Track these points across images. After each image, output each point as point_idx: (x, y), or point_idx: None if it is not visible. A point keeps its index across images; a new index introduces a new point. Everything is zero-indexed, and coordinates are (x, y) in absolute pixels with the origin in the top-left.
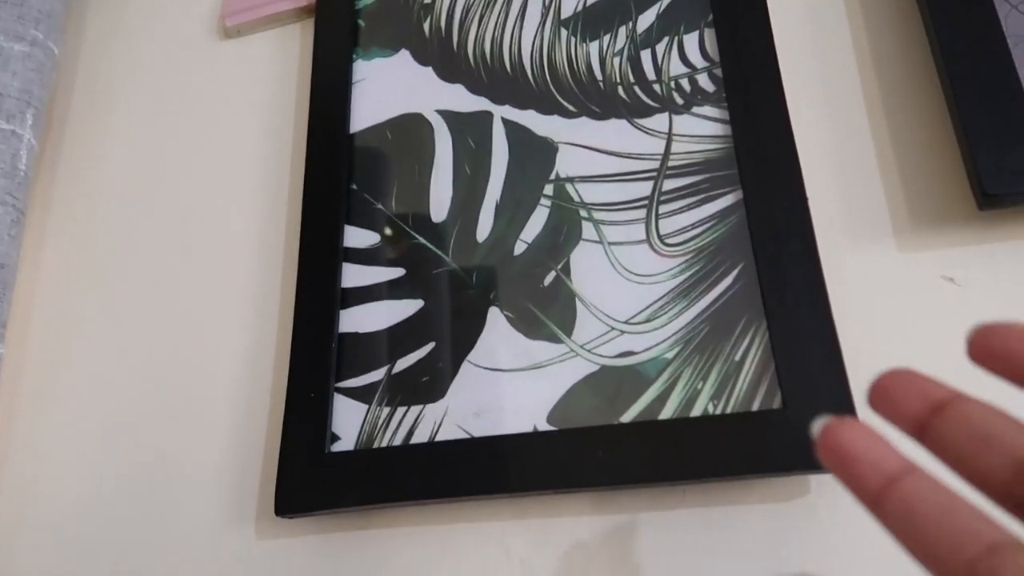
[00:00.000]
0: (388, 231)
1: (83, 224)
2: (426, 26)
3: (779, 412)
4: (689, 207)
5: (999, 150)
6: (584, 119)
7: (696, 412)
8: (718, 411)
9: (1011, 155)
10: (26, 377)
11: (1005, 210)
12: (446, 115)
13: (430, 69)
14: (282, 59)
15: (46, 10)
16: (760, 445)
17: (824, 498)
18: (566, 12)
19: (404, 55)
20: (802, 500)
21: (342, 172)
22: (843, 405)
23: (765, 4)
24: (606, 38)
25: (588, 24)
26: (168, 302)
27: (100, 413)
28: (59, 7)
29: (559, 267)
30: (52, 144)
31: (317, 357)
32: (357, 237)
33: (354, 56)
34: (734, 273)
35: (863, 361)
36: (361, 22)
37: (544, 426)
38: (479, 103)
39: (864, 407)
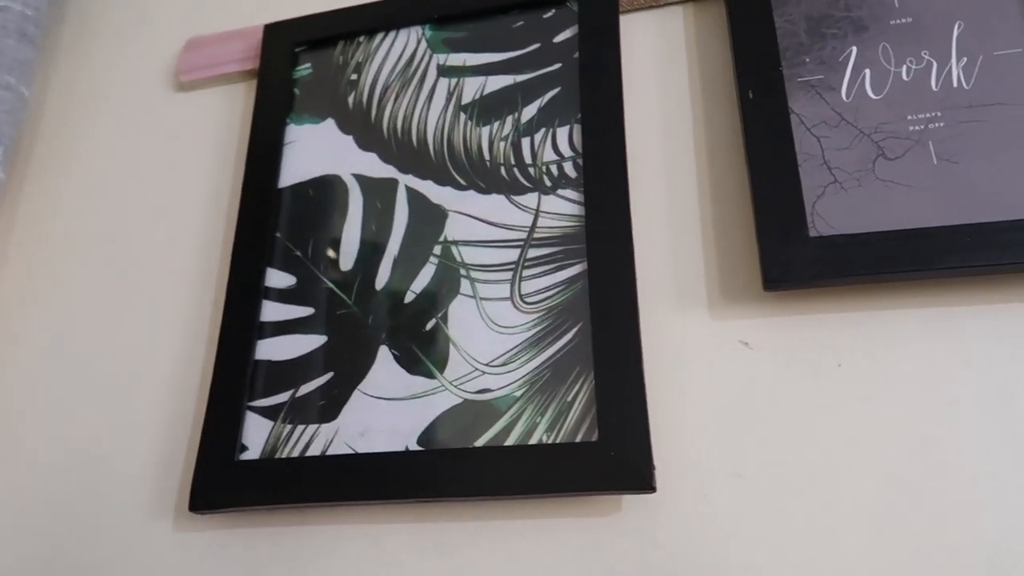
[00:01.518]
0: (303, 275)
1: (41, 243)
2: (350, 100)
3: (596, 444)
4: (546, 272)
5: (780, 245)
6: (471, 192)
7: (534, 441)
8: (550, 441)
9: (787, 250)
10: None
11: (784, 292)
12: (360, 179)
13: (350, 137)
14: (228, 113)
15: (20, 58)
16: (581, 469)
17: (634, 515)
18: (466, 99)
19: (330, 123)
20: (616, 516)
21: (268, 221)
22: (643, 439)
23: (621, 107)
24: (496, 124)
25: (483, 111)
26: (112, 321)
27: (38, 408)
28: (32, 55)
29: (439, 316)
30: (18, 176)
31: (235, 378)
32: (277, 279)
33: (288, 120)
34: (574, 330)
35: (671, 403)
36: (297, 90)
37: (415, 446)
38: (388, 171)
39: (658, 441)
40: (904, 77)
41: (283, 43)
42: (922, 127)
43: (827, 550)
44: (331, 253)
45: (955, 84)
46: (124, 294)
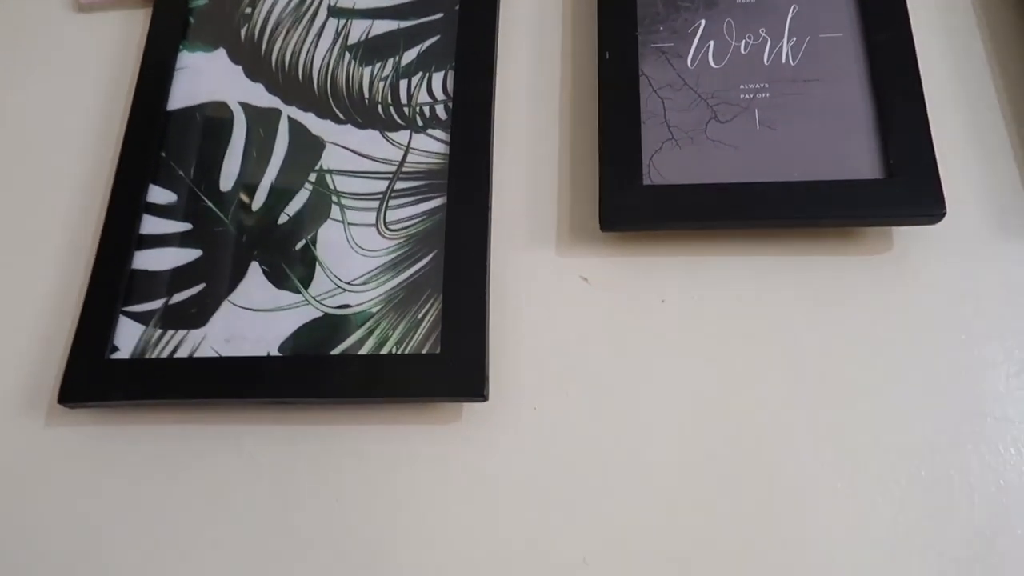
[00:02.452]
0: (184, 193)
1: None
2: (243, 32)
3: (438, 356)
4: (410, 203)
5: (617, 192)
6: (349, 126)
7: (384, 351)
8: (399, 352)
9: (623, 196)
10: None
11: (619, 233)
12: (246, 107)
13: (240, 68)
14: (124, 38)
15: None
16: (423, 378)
17: (472, 423)
18: (352, 39)
19: (221, 52)
20: (456, 423)
21: (155, 141)
22: (479, 354)
23: (493, 58)
24: (377, 65)
25: (366, 52)
26: (2, 226)
27: None
28: None
29: (309, 237)
30: None
31: (110, 284)
32: (159, 195)
33: (181, 47)
34: (429, 256)
35: (512, 327)
36: (192, 19)
37: (276, 353)
38: (273, 101)
39: (497, 359)
40: (742, 51)
41: None
42: (751, 96)
43: (639, 457)
44: (212, 174)
45: (783, 60)
46: (14, 202)
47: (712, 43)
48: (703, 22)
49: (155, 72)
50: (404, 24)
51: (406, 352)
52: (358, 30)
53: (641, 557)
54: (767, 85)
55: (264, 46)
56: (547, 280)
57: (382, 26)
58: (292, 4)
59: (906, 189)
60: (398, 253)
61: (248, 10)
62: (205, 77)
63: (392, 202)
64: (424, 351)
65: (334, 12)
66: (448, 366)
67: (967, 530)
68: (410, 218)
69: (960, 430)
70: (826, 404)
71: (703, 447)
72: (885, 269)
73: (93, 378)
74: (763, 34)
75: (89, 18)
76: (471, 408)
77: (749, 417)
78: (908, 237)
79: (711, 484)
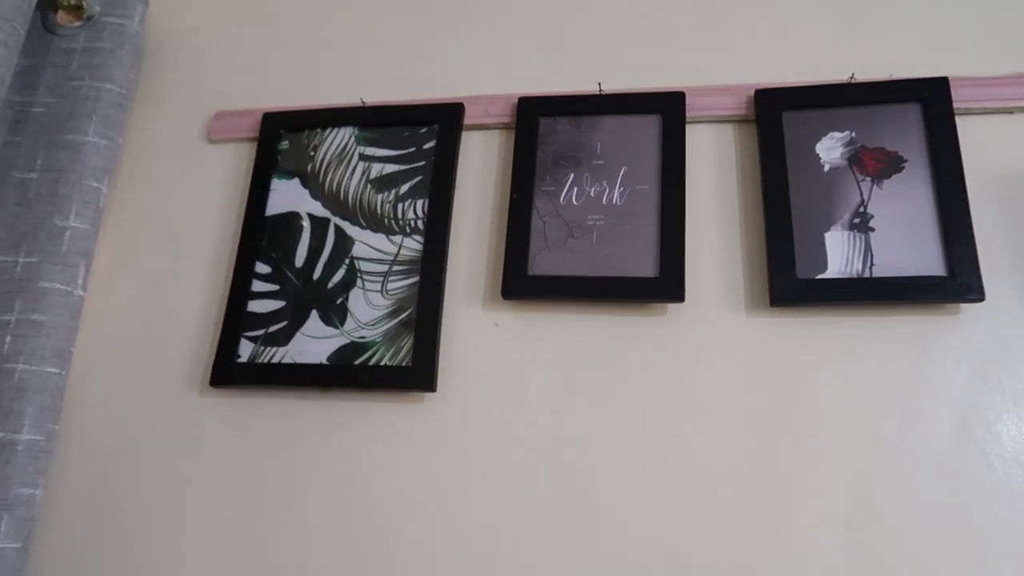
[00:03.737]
0: (275, 267)
1: (124, 251)
2: (309, 167)
3: (410, 368)
4: (399, 279)
5: (513, 277)
6: (368, 231)
7: (382, 364)
8: (390, 364)
9: (518, 279)
10: None
11: (515, 301)
12: (310, 216)
13: (307, 191)
14: (237, 164)
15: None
16: (401, 378)
17: (431, 405)
18: (372, 176)
19: (296, 180)
20: (420, 405)
21: (259, 236)
22: (432, 365)
23: (451, 193)
24: (385, 193)
25: (379, 184)
26: (170, 286)
27: (120, 315)
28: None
29: (344, 296)
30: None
31: (236, 319)
32: (261, 268)
33: (272, 175)
34: (409, 311)
35: (455, 351)
36: (279, 157)
37: (325, 362)
38: (325, 213)
39: (445, 368)
40: (591, 194)
41: (273, 126)
42: (593, 223)
43: (525, 429)
44: (291, 256)
45: (615, 201)
46: (175, 272)
47: (576, 188)
48: (572, 175)
49: (258, 192)
50: (402, 167)
51: (393, 364)
52: (376, 170)
53: (523, 492)
54: (603, 217)
55: (320, 177)
56: (475, 324)
57: (389, 168)
58: (337, 151)
59: (667, 281)
60: (393, 308)
61: (312, 153)
62: (287, 196)
63: (391, 278)
64: (404, 364)
65: (362, 158)
66: (416, 372)
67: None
68: (400, 287)
69: None
70: (631, 418)
71: (561, 426)
72: (658, 327)
73: (228, 372)
74: (605, 184)
75: (217, 148)
76: (429, 396)
77: (580, 418)
78: (667, 309)
79: (571, 449)
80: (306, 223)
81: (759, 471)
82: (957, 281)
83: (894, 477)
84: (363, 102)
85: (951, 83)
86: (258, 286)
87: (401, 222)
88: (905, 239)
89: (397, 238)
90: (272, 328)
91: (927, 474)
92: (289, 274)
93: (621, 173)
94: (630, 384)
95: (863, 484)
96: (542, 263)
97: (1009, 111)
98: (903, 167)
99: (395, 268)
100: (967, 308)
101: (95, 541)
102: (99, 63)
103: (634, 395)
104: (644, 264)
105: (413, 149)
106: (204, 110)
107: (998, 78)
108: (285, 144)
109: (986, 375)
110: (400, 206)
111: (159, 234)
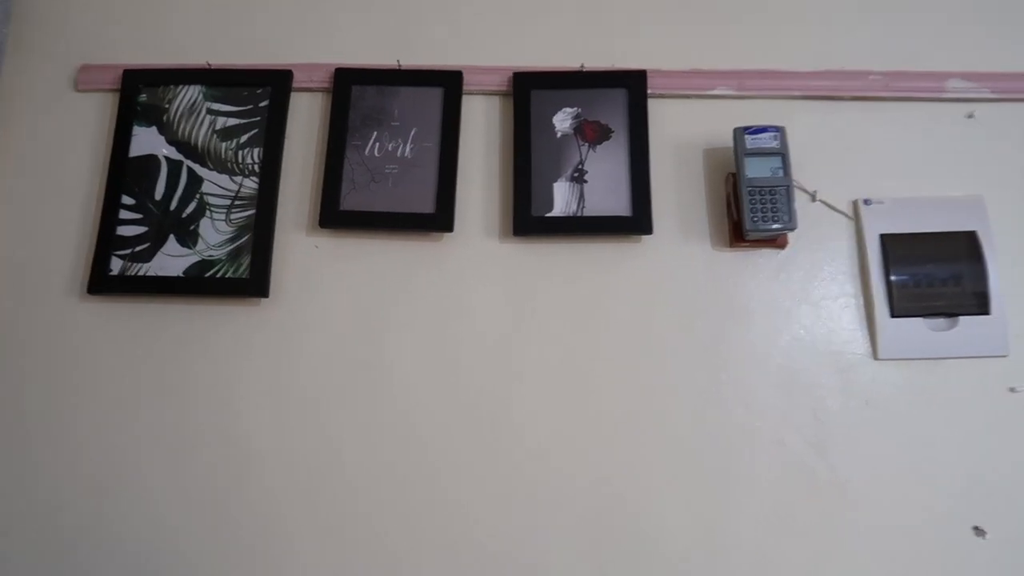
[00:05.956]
0: (138, 200)
1: None
2: (164, 117)
3: (248, 279)
4: (241, 211)
5: (327, 210)
6: (215, 172)
7: (228, 276)
8: (233, 276)
9: (329, 212)
10: None
11: (330, 229)
12: (167, 158)
13: (163, 137)
14: (102, 112)
15: None
16: (241, 287)
17: (266, 309)
18: (218, 127)
19: (154, 128)
20: (258, 308)
21: (124, 176)
22: (266, 277)
23: (282, 143)
24: (229, 141)
25: (224, 134)
26: (45, 212)
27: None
28: None
29: (197, 223)
30: None
31: (108, 241)
32: (127, 200)
33: (134, 123)
34: (247, 236)
35: (281, 266)
36: (139, 107)
37: (181, 275)
38: (179, 156)
39: (275, 278)
40: (389, 148)
41: (133, 81)
42: (390, 171)
43: (332, 332)
44: (151, 191)
45: (407, 155)
46: (52, 202)
47: (378, 143)
48: (375, 133)
49: (121, 136)
50: (242, 120)
51: (235, 277)
52: (220, 122)
53: (334, 371)
54: (397, 166)
55: (174, 126)
56: (299, 246)
57: (232, 121)
58: (188, 105)
59: (441, 216)
60: (234, 233)
61: (166, 106)
62: (147, 140)
63: (233, 210)
64: (243, 276)
65: (209, 112)
66: (253, 283)
67: None
68: (240, 217)
69: None
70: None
71: (362, 325)
72: (435, 250)
73: (102, 282)
74: (399, 141)
75: (84, 96)
76: (263, 301)
77: (376, 319)
78: (443, 237)
79: (368, 343)
80: (163, 164)
81: (501, 359)
82: (638, 220)
83: (592, 353)
84: (209, 64)
85: (648, 74)
86: (124, 215)
87: (241, 165)
88: (608, 189)
89: (238, 178)
90: (137, 248)
91: (608, 357)
92: (150, 205)
93: (412, 132)
94: (414, 292)
95: (572, 358)
96: (350, 200)
97: (687, 97)
98: (611, 136)
99: (236, 203)
100: (644, 239)
101: None
102: None
103: (417, 300)
104: (426, 203)
105: (251, 106)
106: (71, 62)
107: (683, 72)
108: (143, 97)
109: (658, 283)
110: (240, 153)
111: (37, 167)
